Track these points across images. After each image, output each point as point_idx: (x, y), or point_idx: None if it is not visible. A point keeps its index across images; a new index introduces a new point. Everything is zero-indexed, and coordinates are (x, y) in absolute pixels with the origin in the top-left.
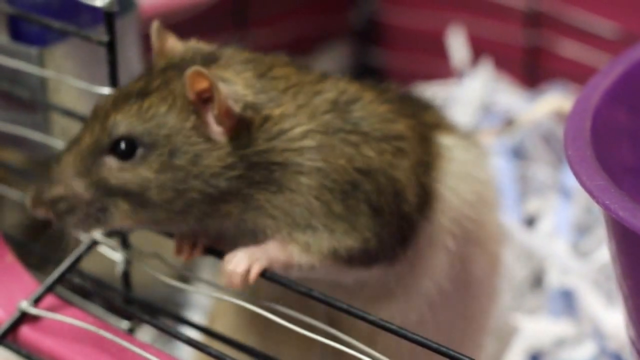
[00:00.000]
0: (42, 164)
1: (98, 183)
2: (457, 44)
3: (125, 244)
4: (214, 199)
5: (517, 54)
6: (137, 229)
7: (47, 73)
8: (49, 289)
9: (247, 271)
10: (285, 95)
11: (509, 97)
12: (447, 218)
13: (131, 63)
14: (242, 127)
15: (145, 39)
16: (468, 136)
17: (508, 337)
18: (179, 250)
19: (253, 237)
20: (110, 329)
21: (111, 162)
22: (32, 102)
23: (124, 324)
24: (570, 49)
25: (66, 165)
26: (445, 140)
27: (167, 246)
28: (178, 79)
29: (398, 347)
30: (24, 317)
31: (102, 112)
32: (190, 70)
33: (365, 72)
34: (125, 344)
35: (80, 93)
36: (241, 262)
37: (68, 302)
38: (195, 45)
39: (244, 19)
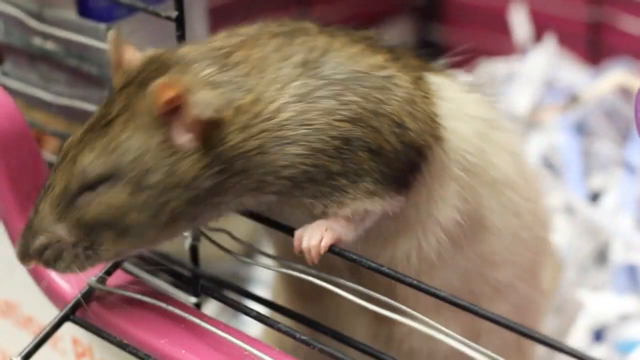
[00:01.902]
0: None
1: (78, 223)
2: (520, 20)
3: None
4: (202, 198)
5: (579, 29)
6: (137, 253)
7: None
8: (118, 265)
9: (319, 244)
10: (250, 78)
11: (572, 73)
12: (451, 149)
13: (198, 38)
14: (213, 127)
15: (212, 13)
16: (456, 77)
17: (572, 312)
18: None
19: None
20: (179, 305)
21: (84, 199)
22: (100, 77)
23: (192, 299)
24: (633, 25)
25: (44, 214)
26: (436, 79)
27: (234, 221)
28: (139, 96)
29: (416, 299)
30: (93, 293)
31: (70, 153)
32: (155, 85)
33: (426, 48)
34: (195, 319)
35: None
36: (313, 237)
37: (136, 278)
38: (152, 53)
39: None
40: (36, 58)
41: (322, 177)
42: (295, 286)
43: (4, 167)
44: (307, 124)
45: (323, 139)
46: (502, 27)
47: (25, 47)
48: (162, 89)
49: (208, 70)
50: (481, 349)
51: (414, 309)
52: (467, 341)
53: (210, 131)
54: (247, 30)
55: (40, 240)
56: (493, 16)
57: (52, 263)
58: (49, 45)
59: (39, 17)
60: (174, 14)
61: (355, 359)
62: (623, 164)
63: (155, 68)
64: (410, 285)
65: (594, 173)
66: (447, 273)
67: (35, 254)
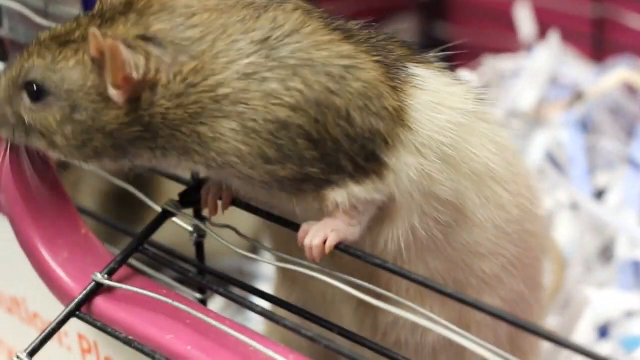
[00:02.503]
0: None
1: (18, 115)
2: (524, 17)
3: (198, 215)
4: (124, 147)
5: (584, 26)
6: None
7: None
8: (123, 261)
9: (324, 243)
10: (201, 45)
11: (576, 70)
12: (424, 140)
13: None
14: (143, 88)
15: None
16: (445, 70)
17: (578, 309)
18: (204, 204)
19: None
20: (184, 301)
21: (25, 99)
22: None
23: (197, 295)
24: (637, 22)
25: (2, 86)
26: (419, 70)
27: (240, 217)
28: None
29: (400, 286)
30: (98, 289)
31: (31, 48)
32: (91, 32)
33: (432, 45)
34: (201, 315)
35: None
36: (317, 236)
37: (141, 274)
38: None
39: None
40: None
41: (258, 161)
42: (287, 272)
43: (9, 162)
44: (244, 102)
45: (257, 120)
46: (507, 24)
47: (30, 43)
48: (94, 39)
49: (160, 26)
50: (471, 336)
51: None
52: (455, 328)
53: (139, 91)
54: None
55: None
56: (498, 13)
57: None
58: None
59: (44, 14)
60: None
61: (365, 356)
62: (628, 160)
63: (120, 9)
64: (420, 283)
65: (598, 170)
66: (430, 259)
67: None
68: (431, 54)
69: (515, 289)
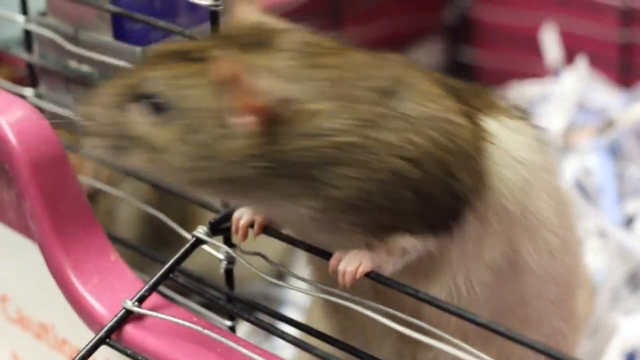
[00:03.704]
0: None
1: (123, 125)
2: (551, 42)
3: (228, 242)
4: (238, 182)
5: (611, 51)
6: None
7: None
8: (153, 288)
9: (355, 270)
10: (328, 87)
11: (604, 95)
12: (495, 198)
13: None
14: (271, 121)
15: None
16: (521, 118)
17: (606, 336)
18: (235, 231)
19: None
20: (215, 329)
21: (139, 111)
22: None
23: (226, 322)
24: None
25: (105, 94)
26: (493, 125)
27: (269, 244)
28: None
29: (443, 325)
30: (128, 316)
31: (149, 59)
32: (220, 57)
33: (457, 69)
34: (231, 343)
35: None
36: (351, 262)
37: (171, 301)
38: (264, 21)
39: (338, 16)
40: (71, 81)
41: (366, 206)
42: (329, 300)
43: (39, 189)
44: (366, 150)
45: (374, 169)
46: (533, 49)
47: (60, 70)
48: (222, 64)
49: (292, 63)
50: None
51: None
52: None
53: (267, 124)
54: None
55: (92, 110)
56: (524, 37)
57: (86, 133)
58: (85, 68)
59: (74, 40)
60: None
61: None
62: None
63: (250, 39)
64: (447, 310)
65: (628, 198)
66: (475, 309)
67: (82, 116)
68: (500, 98)
69: (554, 324)
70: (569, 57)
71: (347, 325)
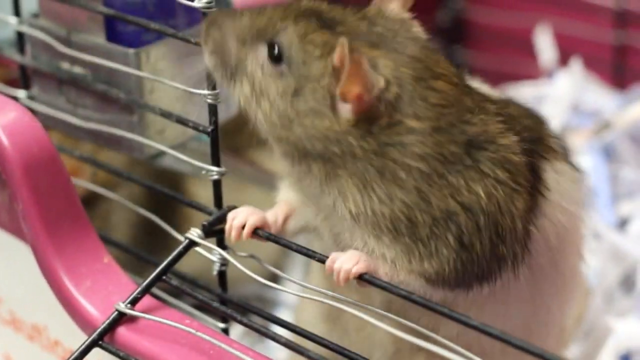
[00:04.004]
0: (139, 165)
1: (242, 60)
2: (545, 43)
3: (221, 244)
4: (308, 152)
5: (605, 53)
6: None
7: (143, 74)
8: (146, 290)
9: (351, 268)
10: (429, 111)
11: (598, 96)
12: (530, 260)
13: None
14: (367, 118)
15: None
16: (568, 160)
17: (600, 338)
18: (228, 232)
19: (333, 238)
20: (208, 331)
21: (261, 54)
22: (128, 103)
23: (220, 324)
24: None
25: (237, 27)
26: (547, 171)
27: (262, 246)
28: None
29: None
30: (121, 318)
31: (290, 10)
32: (341, 40)
33: None
34: (224, 346)
35: (176, 93)
36: (347, 261)
37: (164, 303)
38: (408, 20)
39: None
40: (64, 82)
41: (404, 230)
42: (331, 312)
43: (31, 191)
44: (428, 183)
45: (431, 203)
46: (527, 50)
47: (53, 72)
48: (341, 48)
49: (406, 71)
50: None
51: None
52: None
53: (363, 118)
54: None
55: (216, 33)
56: (518, 39)
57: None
58: (77, 70)
59: (67, 42)
60: None
61: None
62: None
63: (375, 37)
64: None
65: (621, 199)
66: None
67: (206, 33)
68: (554, 138)
69: (552, 344)
70: (563, 59)
71: (341, 335)
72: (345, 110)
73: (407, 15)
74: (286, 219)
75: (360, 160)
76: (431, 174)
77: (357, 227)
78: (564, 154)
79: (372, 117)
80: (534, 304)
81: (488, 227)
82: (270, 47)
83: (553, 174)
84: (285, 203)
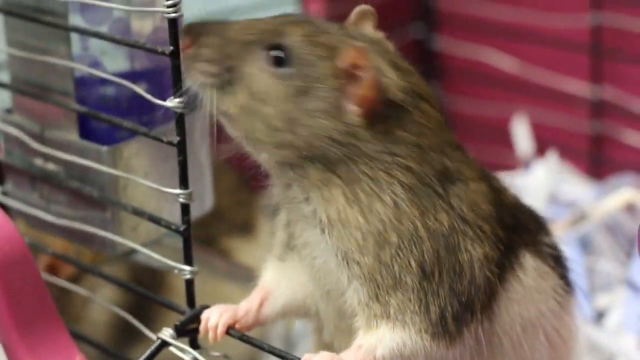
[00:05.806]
0: (112, 261)
1: (241, 62)
2: (522, 134)
3: (194, 344)
4: (308, 155)
5: (581, 143)
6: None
7: (116, 172)
8: None
9: None
10: (414, 127)
11: (575, 187)
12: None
13: (201, 159)
14: (370, 122)
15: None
16: (554, 262)
17: None
18: (204, 333)
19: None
20: None
21: (262, 58)
22: (101, 200)
23: None
24: (635, 138)
25: (235, 31)
26: (526, 261)
27: (235, 346)
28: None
29: None
30: None
31: (285, 19)
32: (351, 44)
33: None
34: None
35: (150, 189)
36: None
37: None
38: (384, 40)
39: None
40: (37, 179)
41: (371, 248)
42: None
43: (3, 290)
44: (407, 197)
45: (401, 220)
46: (504, 141)
47: (26, 168)
48: (355, 52)
49: (406, 85)
50: None
51: None
52: None
53: (366, 123)
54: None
55: (213, 41)
56: (495, 129)
57: (196, 60)
58: (50, 167)
59: (40, 139)
60: (175, 139)
61: None
62: (627, 282)
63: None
64: None
65: (597, 292)
66: None
67: (197, 42)
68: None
69: None
70: (540, 148)
71: None
72: (353, 111)
73: (381, 34)
74: (262, 304)
75: (357, 164)
76: (410, 188)
77: (343, 266)
78: (553, 263)
79: (373, 121)
80: None
81: (448, 259)
82: (273, 51)
83: (531, 262)
84: (261, 288)
